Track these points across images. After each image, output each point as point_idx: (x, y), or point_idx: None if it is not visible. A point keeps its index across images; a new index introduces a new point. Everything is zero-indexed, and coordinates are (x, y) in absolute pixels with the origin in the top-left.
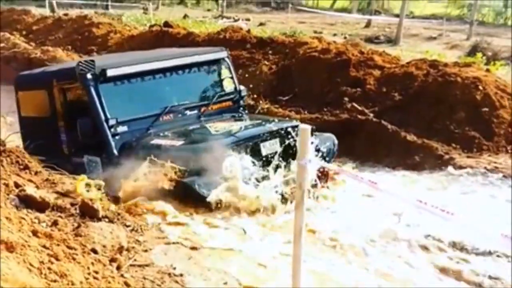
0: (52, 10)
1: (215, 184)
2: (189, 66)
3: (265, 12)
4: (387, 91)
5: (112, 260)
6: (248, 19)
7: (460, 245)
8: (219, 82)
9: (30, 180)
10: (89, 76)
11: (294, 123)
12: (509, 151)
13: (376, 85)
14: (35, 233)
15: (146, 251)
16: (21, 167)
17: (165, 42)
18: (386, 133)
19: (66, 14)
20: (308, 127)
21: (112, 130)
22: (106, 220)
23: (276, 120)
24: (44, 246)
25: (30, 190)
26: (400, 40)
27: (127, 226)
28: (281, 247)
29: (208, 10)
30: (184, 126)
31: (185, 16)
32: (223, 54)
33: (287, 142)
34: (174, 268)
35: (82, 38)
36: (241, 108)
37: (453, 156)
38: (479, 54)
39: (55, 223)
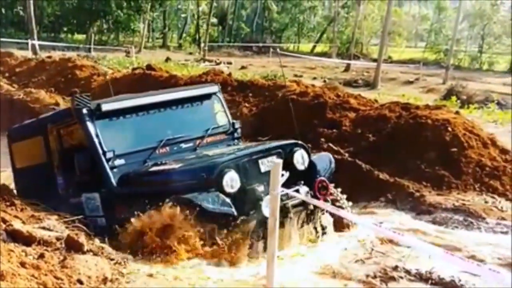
0: (35, 53)
1: (217, 199)
2: (182, 100)
3: (246, 55)
4: (361, 132)
5: None
6: (230, 63)
7: (425, 275)
8: (213, 116)
9: (16, 216)
10: (84, 111)
11: (292, 141)
12: (477, 189)
13: (352, 127)
14: (23, 264)
15: (128, 282)
16: (7, 204)
17: (148, 84)
18: (361, 172)
19: (49, 57)
20: (279, 161)
21: (110, 163)
22: (91, 253)
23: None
24: (32, 276)
25: (17, 225)
26: (378, 84)
27: (111, 260)
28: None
29: (190, 53)
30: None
31: (167, 59)
32: (214, 88)
33: (285, 159)
34: None
35: (65, 80)
36: (236, 141)
37: (423, 194)
38: (454, 98)
39: (41, 256)
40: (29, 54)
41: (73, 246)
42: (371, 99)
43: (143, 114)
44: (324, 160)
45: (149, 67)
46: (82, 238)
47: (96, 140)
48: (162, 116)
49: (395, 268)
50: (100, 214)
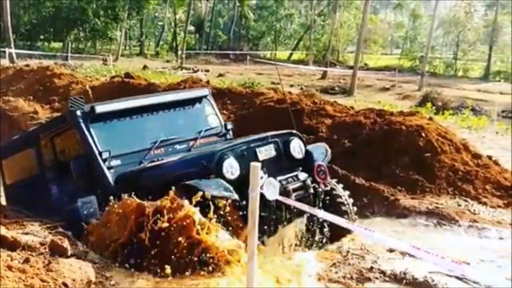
0: (12, 61)
1: (219, 185)
2: (174, 103)
3: (224, 63)
4: (338, 138)
5: None
6: (207, 70)
7: (400, 276)
8: (205, 118)
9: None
10: (78, 113)
11: (287, 131)
12: (450, 192)
13: (328, 133)
14: (9, 268)
15: (113, 285)
16: None
17: (127, 92)
18: (337, 177)
19: (27, 65)
20: (258, 164)
21: (106, 163)
22: (75, 257)
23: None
24: (20, 278)
25: (2, 230)
26: (355, 91)
27: (95, 263)
28: None
29: (167, 61)
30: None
31: (145, 67)
32: (205, 92)
33: (282, 147)
34: None
35: (44, 89)
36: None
37: (398, 198)
38: (429, 104)
39: (26, 260)
40: (5, 62)
41: (57, 251)
42: (347, 106)
43: (136, 117)
44: (320, 149)
45: (127, 75)
46: (66, 243)
47: (91, 140)
48: (155, 118)
49: (371, 269)
50: (97, 217)
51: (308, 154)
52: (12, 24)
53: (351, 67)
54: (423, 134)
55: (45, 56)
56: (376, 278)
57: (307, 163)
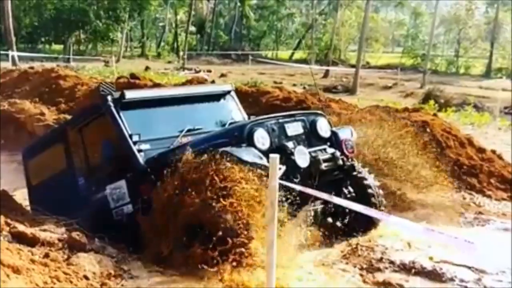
0: (14, 64)
1: (252, 152)
2: (201, 95)
3: (225, 63)
4: None
5: (103, 284)
6: (209, 71)
7: (409, 266)
8: (229, 112)
9: (17, 220)
10: (109, 97)
11: (313, 111)
12: (455, 186)
13: None
14: (33, 261)
15: (132, 278)
16: (9, 208)
17: None
18: None
19: (31, 67)
20: (276, 156)
21: (136, 146)
22: (93, 252)
23: None
24: (44, 271)
25: (21, 227)
26: (357, 89)
27: (113, 257)
28: None
29: (169, 62)
30: None
31: (147, 68)
32: (229, 87)
33: (308, 126)
34: None
35: (49, 91)
36: None
37: (405, 192)
38: (432, 102)
39: (47, 255)
40: (8, 65)
41: (75, 246)
42: (352, 104)
43: (163, 106)
44: (346, 130)
45: (133, 75)
46: (84, 238)
47: (121, 124)
48: (182, 109)
49: (380, 259)
50: (126, 201)
51: (334, 133)
52: (13, 27)
53: (353, 66)
54: (428, 130)
55: (47, 59)
56: (386, 268)
57: (334, 141)
